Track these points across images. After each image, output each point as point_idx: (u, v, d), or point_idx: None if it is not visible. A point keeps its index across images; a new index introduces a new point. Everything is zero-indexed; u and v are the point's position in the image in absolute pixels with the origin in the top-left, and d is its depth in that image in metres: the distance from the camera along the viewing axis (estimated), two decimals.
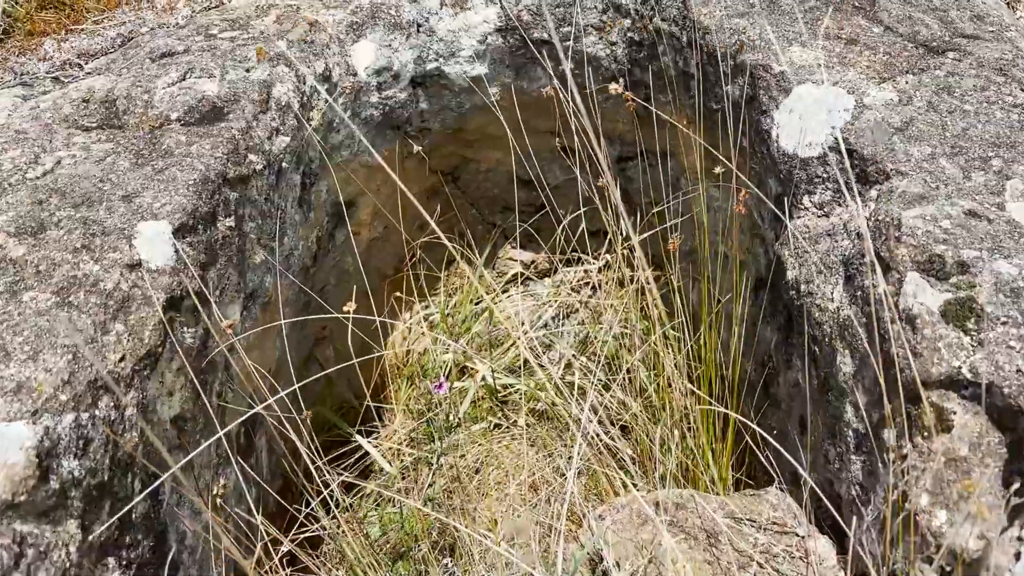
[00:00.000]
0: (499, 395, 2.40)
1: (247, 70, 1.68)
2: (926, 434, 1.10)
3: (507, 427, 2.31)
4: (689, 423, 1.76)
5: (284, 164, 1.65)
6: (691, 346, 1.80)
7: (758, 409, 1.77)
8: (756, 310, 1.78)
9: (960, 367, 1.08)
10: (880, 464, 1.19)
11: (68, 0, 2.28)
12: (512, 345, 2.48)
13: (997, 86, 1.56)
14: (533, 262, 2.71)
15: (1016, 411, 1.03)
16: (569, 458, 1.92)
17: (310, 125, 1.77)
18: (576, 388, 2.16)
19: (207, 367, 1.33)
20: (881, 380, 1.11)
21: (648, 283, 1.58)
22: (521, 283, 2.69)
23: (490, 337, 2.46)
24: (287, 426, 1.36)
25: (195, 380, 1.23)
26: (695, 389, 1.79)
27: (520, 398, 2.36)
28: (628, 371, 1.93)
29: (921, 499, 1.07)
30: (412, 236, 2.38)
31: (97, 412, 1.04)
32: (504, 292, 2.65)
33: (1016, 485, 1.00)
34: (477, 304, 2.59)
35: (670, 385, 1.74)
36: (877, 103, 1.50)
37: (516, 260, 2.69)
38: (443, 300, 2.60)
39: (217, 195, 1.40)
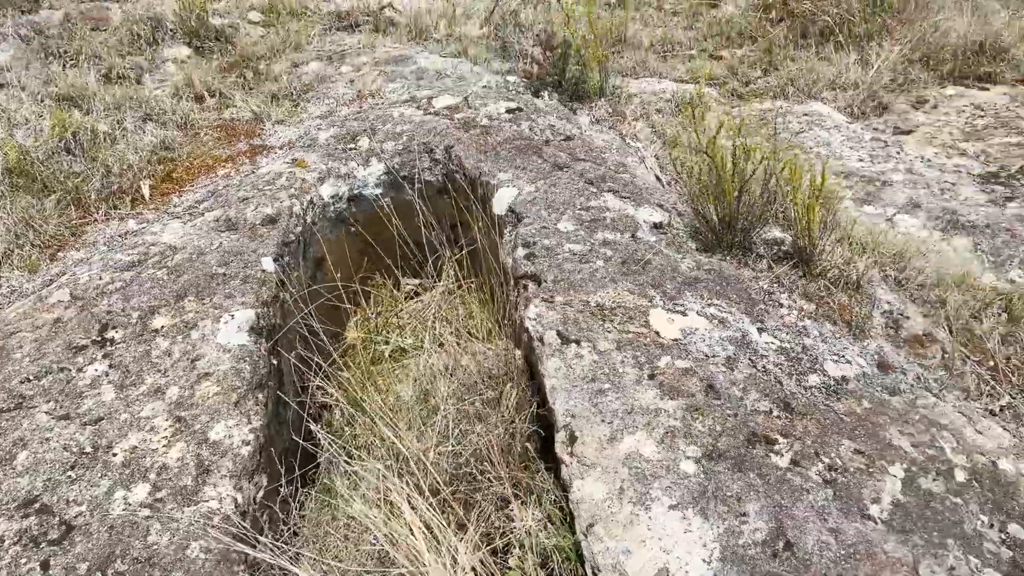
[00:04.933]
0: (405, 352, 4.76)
1: (280, 201, 4.10)
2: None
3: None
4: None
5: (300, 239, 4.06)
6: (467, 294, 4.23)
7: None
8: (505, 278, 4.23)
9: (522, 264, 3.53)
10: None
11: (174, 175, 4.65)
12: (410, 328, 4.85)
13: (575, 181, 4.10)
14: (419, 283, 5.13)
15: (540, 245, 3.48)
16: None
17: (306, 221, 4.18)
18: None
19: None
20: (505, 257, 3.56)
21: (446, 290, 4.03)
22: (413, 296, 5.10)
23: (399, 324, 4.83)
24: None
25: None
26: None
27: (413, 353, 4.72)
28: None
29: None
30: (354, 275, 4.76)
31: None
32: (406, 300, 5.04)
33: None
34: (391, 309, 4.97)
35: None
36: (526, 192, 4.02)
37: (410, 284, 5.11)
38: (372, 307, 4.97)
39: (283, 248, 3.78)
